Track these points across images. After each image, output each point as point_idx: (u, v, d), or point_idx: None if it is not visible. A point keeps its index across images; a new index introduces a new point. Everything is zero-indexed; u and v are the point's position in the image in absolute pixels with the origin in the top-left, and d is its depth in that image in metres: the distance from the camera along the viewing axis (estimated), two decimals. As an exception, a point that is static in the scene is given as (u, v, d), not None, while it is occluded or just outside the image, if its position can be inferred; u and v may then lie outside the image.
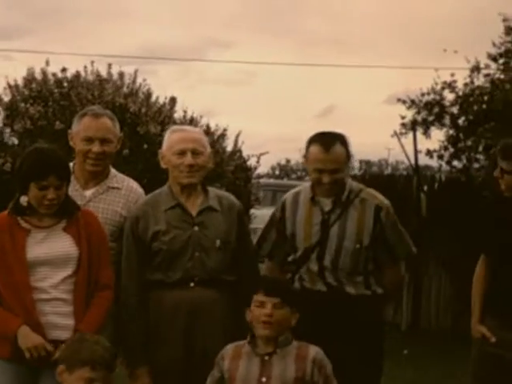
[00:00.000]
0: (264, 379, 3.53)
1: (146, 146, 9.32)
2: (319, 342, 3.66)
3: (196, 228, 3.98)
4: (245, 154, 10.75)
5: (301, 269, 4.12)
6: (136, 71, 10.21)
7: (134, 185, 4.27)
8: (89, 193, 4.13)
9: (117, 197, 4.15)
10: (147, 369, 3.95)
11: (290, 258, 4.19)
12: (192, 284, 3.94)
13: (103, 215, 4.06)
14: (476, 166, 9.69)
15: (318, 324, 3.80)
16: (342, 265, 4.06)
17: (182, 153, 3.97)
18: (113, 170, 4.24)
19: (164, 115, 9.80)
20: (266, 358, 3.57)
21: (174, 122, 9.81)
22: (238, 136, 10.57)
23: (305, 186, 4.31)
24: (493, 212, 4.14)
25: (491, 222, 4.07)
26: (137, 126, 9.37)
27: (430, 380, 7.59)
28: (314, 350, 3.61)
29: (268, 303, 3.57)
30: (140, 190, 4.26)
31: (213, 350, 3.82)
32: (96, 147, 4.05)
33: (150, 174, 8.14)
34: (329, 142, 4.03)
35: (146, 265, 3.99)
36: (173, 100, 10.18)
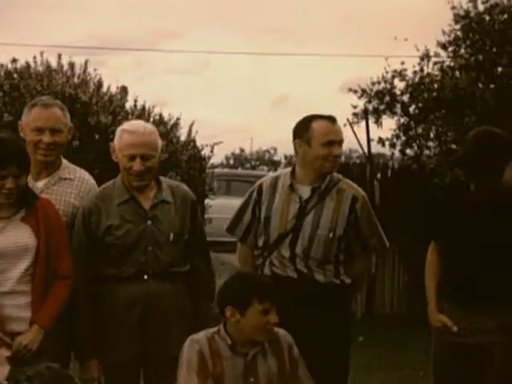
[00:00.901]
0: (252, 379, 3.53)
1: (97, 137, 9.23)
2: (288, 328, 3.69)
3: (149, 222, 3.95)
4: (199, 143, 10.70)
5: (272, 254, 4.13)
6: (87, 61, 10.11)
7: (86, 175, 4.23)
8: (40, 184, 4.07)
9: (69, 188, 4.10)
10: (96, 361, 3.92)
11: (260, 243, 4.20)
12: (146, 277, 3.92)
13: (56, 207, 3.99)
14: (427, 153, 9.76)
15: (287, 310, 3.80)
16: (313, 253, 4.09)
17: (132, 158, 3.92)
18: (65, 161, 4.19)
19: (115, 105, 9.71)
20: (249, 358, 3.55)
21: (126, 112, 9.74)
22: (191, 126, 10.51)
23: (284, 171, 4.33)
24: (445, 198, 4.17)
25: (443, 207, 4.09)
26: (87, 116, 9.27)
27: (385, 366, 7.64)
28: (284, 337, 3.62)
29: (273, 310, 3.53)
30: (92, 181, 4.22)
31: (168, 342, 3.85)
32: (46, 137, 3.99)
33: (102, 165, 8.06)
34: (332, 116, 4.14)
35: (98, 259, 3.96)
36: (124, 89, 10.09)
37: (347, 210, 4.13)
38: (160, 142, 4.07)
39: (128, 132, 4.00)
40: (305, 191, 4.13)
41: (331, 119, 4.11)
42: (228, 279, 3.64)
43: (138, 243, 3.92)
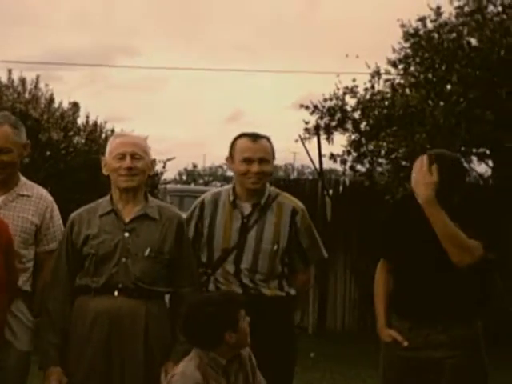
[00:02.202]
0: None
1: (48, 153, 9.16)
2: None
3: (126, 234, 3.94)
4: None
5: (217, 271, 4.16)
6: (38, 77, 10.06)
7: (44, 192, 4.22)
8: None
9: (27, 204, 4.09)
10: (59, 370, 3.88)
11: (204, 259, 4.21)
12: (116, 293, 3.89)
13: (14, 222, 4.00)
14: (379, 169, 9.85)
15: None
16: (259, 268, 4.13)
17: (122, 156, 3.96)
18: (22, 178, 4.18)
19: (66, 121, 9.65)
20: (232, 377, 3.56)
21: (78, 128, 9.69)
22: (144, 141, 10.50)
23: (225, 188, 4.38)
24: (394, 214, 4.21)
25: (392, 224, 4.13)
26: (39, 132, 9.20)
27: (336, 382, 7.67)
28: (245, 351, 3.65)
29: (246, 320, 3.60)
30: (50, 198, 4.20)
31: (131, 364, 3.83)
32: None
33: (54, 181, 8.01)
34: (256, 134, 4.21)
35: (76, 270, 3.95)
36: (75, 105, 10.04)
37: (288, 223, 4.20)
38: (149, 151, 4.13)
39: (118, 136, 4.17)
40: (246, 207, 4.19)
41: (253, 137, 4.17)
42: (197, 312, 3.58)
43: (111, 254, 3.90)
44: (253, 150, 4.14)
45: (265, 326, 3.90)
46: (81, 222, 4.00)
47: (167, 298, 4.09)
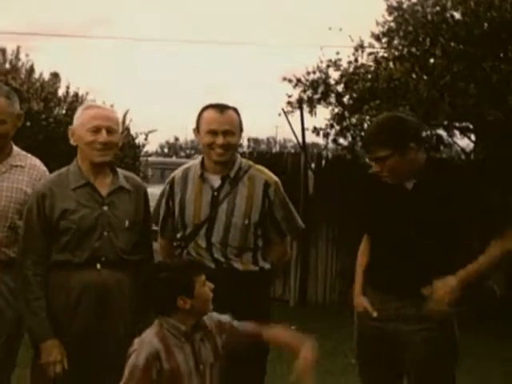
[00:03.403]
0: (201, 366, 3.50)
1: (28, 124, 9.08)
2: None
3: (105, 208, 3.91)
4: (133, 131, 10.64)
5: (189, 245, 4.14)
6: (18, 47, 9.97)
7: (37, 162, 4.19)
8: None
9: (20, 175, 4.07)
10: (57, 342, 3.80)
11: (178, 235, 4.18)
12: (99, 266, 3.86)
13: (8, 193, 3.99)
14: (361, 143, 9.83)
15: None
16: (230, 241, 4.09)
17: (97, 130, 3.89)
18: (16, 148, 4.16)
19: (47, 92, 9.58)
20: (197, 346, 3.50)
21: (58, 99, 9.62)
22: (125, 114, 10.45)
23: (194, 162, 4.33)
24: (369, 188, 4.20)
25: (369, 197, 4.12)
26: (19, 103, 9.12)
27: (318, 355, 7.68)
28: (209, 319, 3.58)
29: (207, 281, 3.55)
30: (43, 168, 4.18)
31: (122, 332, 3.84)
32: None
33: (33, 152, 7.93)
34: (223, 106, 4.12)
35: (51, 244, 3.88)
36: (55, 76, 9.96)
37: (260, 196, 4.15)
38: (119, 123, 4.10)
39: (90, 107, 4.06)
40: (215, 180, 4.15)
41: (220, 108, 4.10)
42: (154, 278, 3.53)
43: (93, 228, 3.87)
44: (218, 121, 4.07)
45: (238, 301, 3.88)
46: (53, 195, 3.90)
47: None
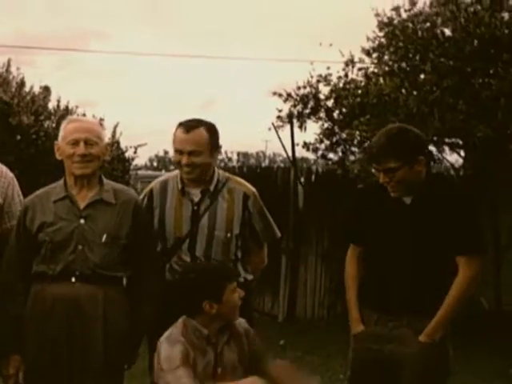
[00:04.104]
0: (219, 370, 3.51)
1: (18, 137, 9.07)
2: None
3: (82, 221, 3.91)
4: (123, 145, 10.63)
5: (172, 259, 4.14)
6: (9, 60, 9.95)
7: (4, 169, 4.18)
8: None
9: None
10: (17, 358, 3.88)
11: (158, 248, 4.17)
12: (73, 279, 3.86)
13: None
14: (352, 158, 9.85)
15: None
16: (214, 254, 4.12)
17: (75, 143, 3.91)
18: None
19: (37, 105, 9.57)
20: (219, 348, 3.53)
21: (48, 113, 9.61)
22: (115, 127, 10.45)
23: (170, 175, 4.35)
24: (365, 201, 4.19)
25: (363, 211, 4.11)
26: (9, 116, 9.11)
27: (305, 369, 7.66)
28: (240, 323, 3.64)
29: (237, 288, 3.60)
30: (10, 175, 4.17)
31: (93, 349, 3.81)
32: None
33: (23, 166, 7.93)
34: (191, 125, 4.11)
35: (31, 256, 3.90)
36: (46, 89, 9.95)
37: (241, 209, 4.19)
38: (104, 135, 4.10)
39: (71, 121, 4.10)
40: (195, 194, 4.18)
41: (188, 127, 4.09)
42: (182, 278, 3.62)
43: (68, 241, 3.87)
44: (184, 141, 4.08)
45: None
46: (34, 208, 3.95)
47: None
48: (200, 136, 4.10)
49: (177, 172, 4.27)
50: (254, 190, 4.27)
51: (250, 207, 4.21)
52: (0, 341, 3.92)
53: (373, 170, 4.07)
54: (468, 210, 3.89)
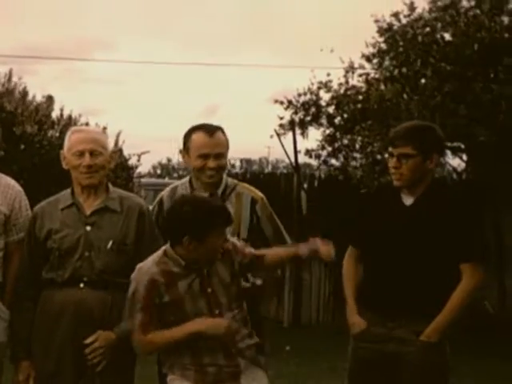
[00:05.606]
0: (210, 290, 3.54)
1: (22, 147, 9.11)
2: None
3: (88, 228, 3.94)
4: (126, 153, 10.67)
5: None
6: (11, 70, 10.01)
7: (12, 182, 4.19)
8: None
9: None
10: (28, 364, 3.92)
11: None
12: (82, 285, 3.89)
13: None
14: (353, 163, 9.88)
15: None
16: None
17: (81, 154, 3.94)
18: None
19: (41, 114, 9.61)
20: (205, 271, 3.56)
21: (52, 122, 9.65)
22: (118, 135, 10.48)
23: (182, 181, 4.37)
24: (367, 204, 4.22)
25: (364, 214, 4.13)
26: (13, 125, 9.15)
27: (312, 375, 7.69)
28: (230, 243, 3.67)
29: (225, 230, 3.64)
30: (18, 188, 4.18)
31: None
32: None
33: (28, 175, 7.96)
34: (212, 128, 4.15)
35: (41, 263, 3.94)
36: (50, 98, 9.99)
37: (248, 213, 4.21)
38: (108, 144, 4.11)
39: (76, 131, 4.10)
40: None
41: (209, 131, 4.13)
42: (177, 205, 3.59)
43: (74, 248, 3.90)
44: (210, 145, 4.10)
45: None
46: (43, 215, 4.00)
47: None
48: (222, 138, 4.16)
49: (186, 179, 4.31)
50: (262, 195, 4.30)
51: (258, 212, 4.23)
52: (12, 347, 3.98)
53: (385, 155, 4.10)
54: (471, 216, 3.92)
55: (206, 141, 4.11)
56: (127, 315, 3.61)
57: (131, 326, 3.56)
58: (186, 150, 4.19)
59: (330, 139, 10.07)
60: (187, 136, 4.18)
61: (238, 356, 3.60)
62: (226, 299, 3.59)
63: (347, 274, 4.16)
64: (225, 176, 4.27)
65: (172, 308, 3.52)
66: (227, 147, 4.19)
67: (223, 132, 4.20)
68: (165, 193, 4.32)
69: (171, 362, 3.61)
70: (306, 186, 10.58)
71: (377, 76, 9.51)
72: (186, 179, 4.31)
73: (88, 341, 3.81)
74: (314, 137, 10.27)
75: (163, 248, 3.61)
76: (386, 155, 4.05)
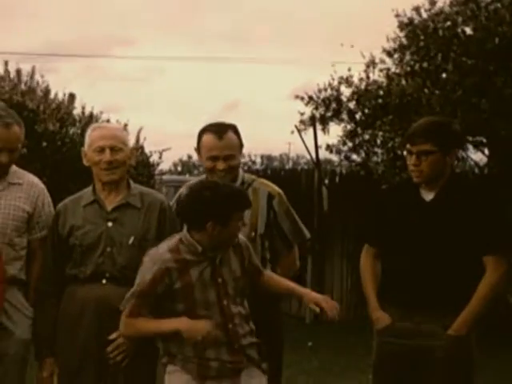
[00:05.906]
0: (220, 280, 3.57)
1: (44, 144, 9.17)
2: None
3: (110, 224, 3.97)
4: (147, 150, 10.71)
5: None
6: (33, 68, 10.07)
7: (35, 180, 4.22)
8: None
9: (18, 192, 4.09)
10: (52, 360, 3.97)
11: None
12: (104, 281, 3.93)
13: (5, 211, 4.01)
14: (375, 159, 9.86)
15: None
16: None
17: (101, 150, 3.97)
18: (13, 166, 4.18)
19: (63, 112, 9.67)
20: (217, 261, 3.59)
21: (73, 119, 9.71)
22: (139, 132, 10.52)
23: (199, 179, 4.40)
24: (387, 200, 4.21)
25: (384, 210, 4.12)
26: (35, 123, 9.21)
27: (334, 371, 7.69)
28: (242, 240, 3.71)
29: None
30: (41, 186, 4.21)
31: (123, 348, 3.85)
32: (4, 157, 3.99)
33: (50, 172, 8.01)
34: (221, 129, 4.15)
35: (64, 259, 3.98)
36: (72, 96, 10.05)
37: (265, 208, 4.20)
38: (128, 140, 4.15)
39: (96, 128, 4.15)
40: None
41: (218, 132, 4.13)
42: (196, 192, 3.61)
43: (96, 244, 3.94)
44: (218, 148, 4.10)
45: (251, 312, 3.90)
46: (66, 212, 4.03)
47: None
48: (232, 139, 4.15)
49: (203, 176, 4.33)
50: (279, 190, 4.29)
51: (276, 207, 4.22)
52: (36, 345, 4.03)
53: (404, 153, 4.08)
54: (492, 209, 3.92)
55: (215, 143, 4.11)
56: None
57: (125, 303, 3.58)
58: (198, 149, 4.22)
59: (351, 135, 10.04)
60: (199, 136, 4.20)
61: (240, 352, 3.60)
62: (233, 292, 3.61)
63: (366, 271, 4.16)
64: (241, 172, 4.28)
65: (182, 295, 3.54)
66: (239, 147, 4.18)
67: (235, 131, 4.20)
68: (182, 191, 4.33)
69: (173, 353, 3.60)
70: (327, 181, 10.56)
71: (398, 71, 9.47)
72: (203, 177, 4.33)
73: (112, 337, 3.84)
74: (335, 132, 10.25)
75: (177, 236, 3.63)
76: (405, 152, 4.03)
